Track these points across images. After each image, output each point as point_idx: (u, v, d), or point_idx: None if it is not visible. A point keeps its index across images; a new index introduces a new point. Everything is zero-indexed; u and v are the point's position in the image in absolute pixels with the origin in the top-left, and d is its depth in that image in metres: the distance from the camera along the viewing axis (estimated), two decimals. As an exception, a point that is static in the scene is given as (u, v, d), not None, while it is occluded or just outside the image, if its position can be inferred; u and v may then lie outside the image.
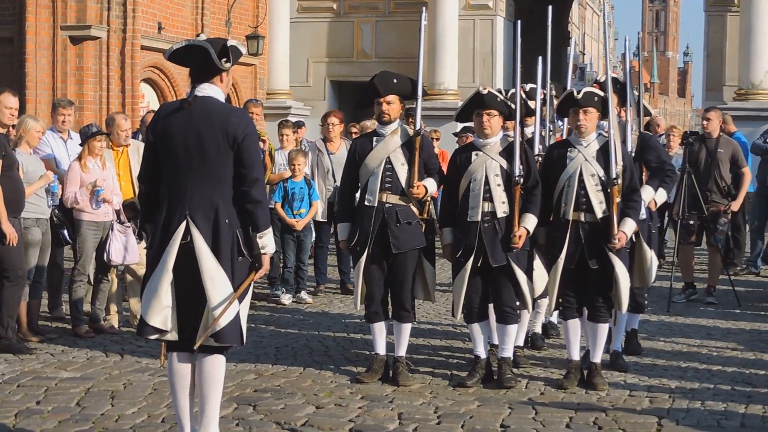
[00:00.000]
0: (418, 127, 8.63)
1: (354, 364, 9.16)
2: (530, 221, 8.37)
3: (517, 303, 8.45)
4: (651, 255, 9.17)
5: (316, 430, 7.14)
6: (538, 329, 10.03)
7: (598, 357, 8.50)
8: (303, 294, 12.71)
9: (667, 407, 7.79)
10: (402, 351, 8.62)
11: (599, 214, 8.31)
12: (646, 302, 9.84)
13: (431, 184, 8.62)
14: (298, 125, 15.36)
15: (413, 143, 8.57)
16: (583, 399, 8.06)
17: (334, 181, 13.05)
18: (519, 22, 9.60)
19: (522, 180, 8.33)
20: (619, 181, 8.28)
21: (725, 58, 26.61)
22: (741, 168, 13.75)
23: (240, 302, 6.10)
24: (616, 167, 8.29)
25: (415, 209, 8.59)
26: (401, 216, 8.51)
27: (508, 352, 8.50)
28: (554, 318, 10.18)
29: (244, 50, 6.47)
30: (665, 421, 7.39)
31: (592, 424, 7.35)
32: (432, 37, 25.08)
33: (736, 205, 13.58)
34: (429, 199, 8.69)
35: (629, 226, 8.35)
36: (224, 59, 6.11)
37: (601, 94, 8.53)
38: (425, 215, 8.65)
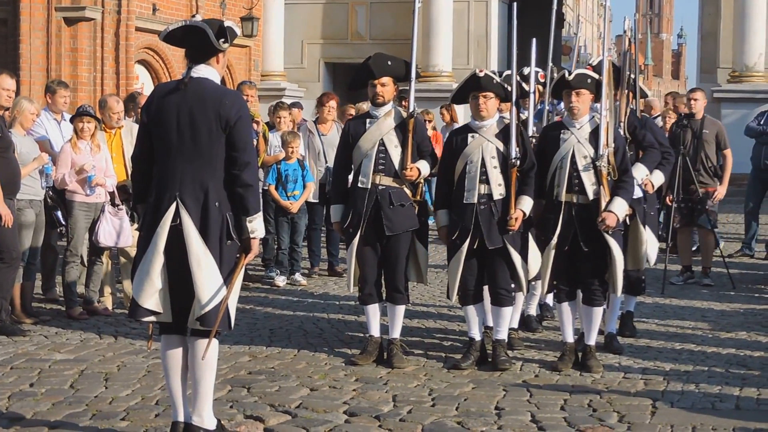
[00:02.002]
0: (411, 110, 8.62)
1: (348, 346, 9.15)
2: (526, 203, 8.35)
3: (512, 285, 8.46)
4: (647, 237, 9.15)
5: (310, 413, 7.14)
6: (533, 311, 10.03)
7: (592, 339, 8.49)
8: (297, 276, 12.69)
9: (661, 389, 7.79)
10: (396, 333, 8.62)
11: (591, 196, 8.30)
12: (643, 284, 9.83)
13: (424, 167, 8.60)
14: (296, 106, 15.26)
15: (406, 125, 8.56)
16: (577, 381, 8.06)
17: (326, 162, 13.04)
18: (515, 4, 9.57)
19: (518, 162, 8.31)
20: (603, 161, 8.24)
21: (719, 41, 26.60)
22: (723, 150, 13.62)
23: (227, 286, 6.08)
24: (607, 149, 8.26)
25: (408, 191, 8.58)
26: (394, 198, 8.50)
27: (503, 335, 8.50)
28: (549, 300, 10.16)
29: (239, 31, 6.44)
30: (660, 404, 7.39)
31: (587, 406, 7.35)
32: (426, 19, 25.03)
33: (722, 191, 13.44)
34: (422, 181, 8.68)
35: (618, 205, 8.30)
36: (221, 40, 6.09)
37: (595, 76, 8.51)
38: (418, 197, 8.64)
